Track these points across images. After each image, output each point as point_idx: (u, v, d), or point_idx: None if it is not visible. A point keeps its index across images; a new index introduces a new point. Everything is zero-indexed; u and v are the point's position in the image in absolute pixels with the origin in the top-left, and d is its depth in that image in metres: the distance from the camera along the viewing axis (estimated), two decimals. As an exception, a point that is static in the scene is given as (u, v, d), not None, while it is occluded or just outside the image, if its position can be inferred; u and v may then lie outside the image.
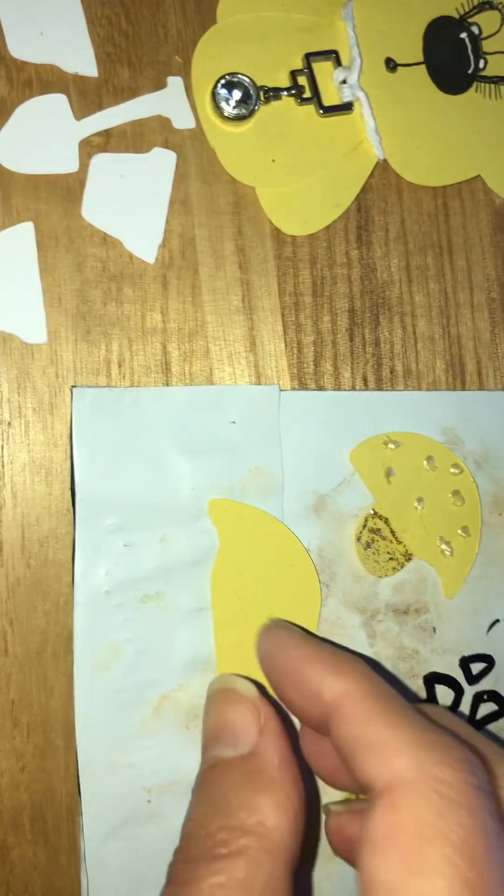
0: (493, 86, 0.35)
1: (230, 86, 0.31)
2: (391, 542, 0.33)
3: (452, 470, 0.33)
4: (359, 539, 0.32)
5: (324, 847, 0.31)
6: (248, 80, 0.31)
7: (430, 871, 0.18)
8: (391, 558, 0.33)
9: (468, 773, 0.20)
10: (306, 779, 0.25)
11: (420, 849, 0.18)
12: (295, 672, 0.24)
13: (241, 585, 0.31)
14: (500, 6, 0.35)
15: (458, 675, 0.34)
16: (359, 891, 0.19)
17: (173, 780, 0.30)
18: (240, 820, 0.22)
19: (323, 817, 0.30)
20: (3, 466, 0.29)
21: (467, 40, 0.35)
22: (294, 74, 0.32)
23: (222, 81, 0.31)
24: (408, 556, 0.33)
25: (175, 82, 0.31)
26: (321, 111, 0.32)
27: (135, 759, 0.30)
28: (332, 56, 0.33)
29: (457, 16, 0.35)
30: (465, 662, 0.34)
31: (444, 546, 0.33)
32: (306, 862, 0.31)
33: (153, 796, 0.30)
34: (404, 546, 0.33)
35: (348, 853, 0.27)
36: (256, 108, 0.32)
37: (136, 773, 0.30)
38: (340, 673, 0.23)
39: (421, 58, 0.34)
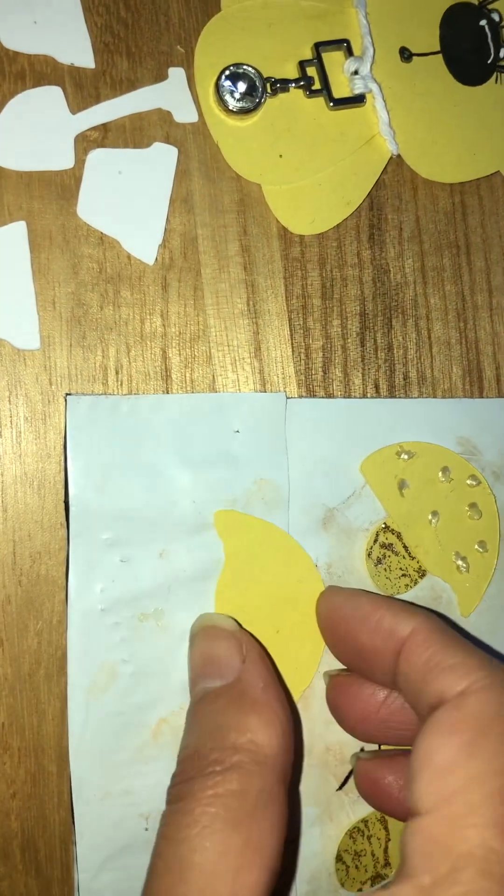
0: (513, 76, 0.34)
1: (235, 77, 0.30)
2: (404, 557, 0.32)
3: (469, 482, 0.32)
4: (370, 554, 0.31)
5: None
6: (253, 71, 0.31)
7: (487, 756, 0.21)
8: (404, 574, 0.32)
9: None
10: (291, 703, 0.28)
11: (480, 738, 0.21)
12: (368, 615, 0.27)
13: (246, 602, 0.30)
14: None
15: (474, 698, 0.33)
16: (409, 775, 0.22)
17: (172, 807, 0.29)
18: (231, 740, 0.24)
19: (348, 765, 0.32)
20: (-7, 478, 0.28)
21: (487, 28, 0.34)
22: (303, 65, 0.31)
23: (227, 73, 0.30)
24: (421, 573, 0.32)
25: (177, 73, 0.31)
26: (331, 104, 0.32)
27: (131, 785, 0.29)
28: (344, 45, 0.32)
29: (476, 2, 0.34)
30: (481, 684, 0.33)
31: (459, 562, 0.32)
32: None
33: (151, 824, 0.29)
34: (418, 562, 0.32)
35: (376, 797, 0.30)
36: (263, 100, 0.31)
37: (133, 800, 0.29)
38: (412, 613, 0.26)
39: (437, 47, 0.33)
